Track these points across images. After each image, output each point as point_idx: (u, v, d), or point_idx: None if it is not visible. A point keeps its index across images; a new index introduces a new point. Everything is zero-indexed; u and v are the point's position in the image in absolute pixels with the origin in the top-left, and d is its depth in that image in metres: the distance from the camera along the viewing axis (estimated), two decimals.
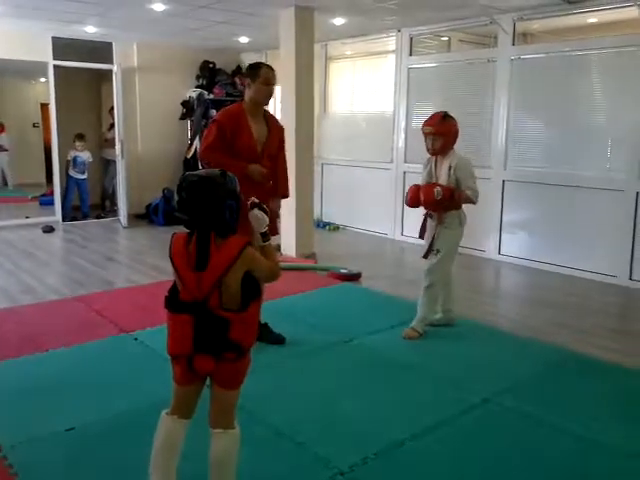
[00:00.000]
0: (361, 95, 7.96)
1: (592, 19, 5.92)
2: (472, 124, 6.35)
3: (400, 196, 7.22)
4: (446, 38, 7.10)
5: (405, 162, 7.17)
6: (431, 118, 3.88)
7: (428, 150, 3.89)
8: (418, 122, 7.06)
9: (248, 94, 3.60)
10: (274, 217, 3.76)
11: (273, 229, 3.02)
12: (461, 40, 7.03)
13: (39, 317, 4.33)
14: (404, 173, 7.17)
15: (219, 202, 1.94)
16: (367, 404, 3.04)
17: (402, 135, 7.18)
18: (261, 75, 3.54)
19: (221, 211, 1.94)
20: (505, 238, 6.26)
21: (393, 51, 7.23)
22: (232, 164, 3.15)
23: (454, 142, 3.87)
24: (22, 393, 3.11)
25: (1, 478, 2.37)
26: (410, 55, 7.04)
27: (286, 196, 3.89)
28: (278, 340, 3.82)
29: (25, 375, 3.33)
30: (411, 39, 7.01)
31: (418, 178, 7.18)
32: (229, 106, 3.73)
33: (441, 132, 3.79)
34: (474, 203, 3.82)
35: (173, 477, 2.11)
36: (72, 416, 2.85)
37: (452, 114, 3.91)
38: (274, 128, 3.71)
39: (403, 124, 7.15)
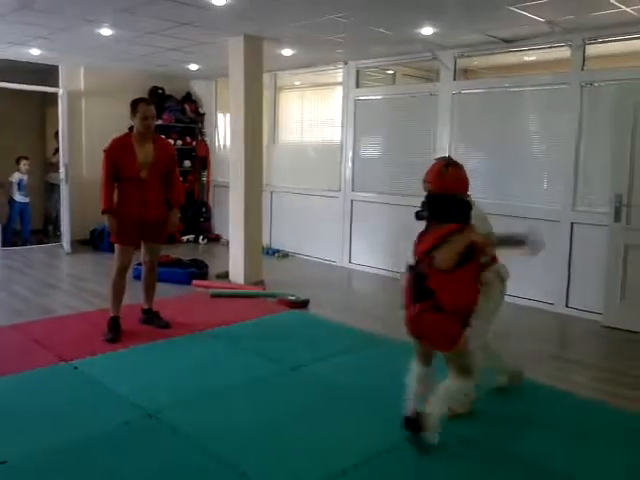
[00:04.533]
0: (310, 125, 8.10)
1: (528, 57, 6.25)
2: (416, 155, 6.54)
3: (348, 224, 7.34)
4: (391, 72, 7.34)
5: (353, 191, 7.30)
6: (430, 170, 3.01)
7: None
8: (365, 152, 7.26)
9: (134, 125, 4.37)
10: (174, 226, 4.66)
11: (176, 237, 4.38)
12: (406, 74, 7.29)
13: None
14: (352, 201, 7.30)
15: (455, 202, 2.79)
16: (312, 433, 3.04)
17: (349, 164, 7.33)
18: (139, 111, 4.31)
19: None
20: None
21: (340, 83, 7.42)
22: (104, 197, 4.30)
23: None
24: None
25: None
26: (357, 87, 7.24)
27: (181, 204, 4.72)
28: (165, 326, 4.59)
29: None
30: (357, 72, 7.21)
31: (366, 207, 7.34)
32: (118, 136, 4.43)
33: (446, 187, 2.89)
34: None
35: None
36: (4, 449, 2.74)
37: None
38: (161, 151, 4.46)
39: (350, 154, 7.30)
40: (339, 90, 7.48)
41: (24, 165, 8.37)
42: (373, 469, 2.70)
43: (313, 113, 8.09)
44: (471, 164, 6.24)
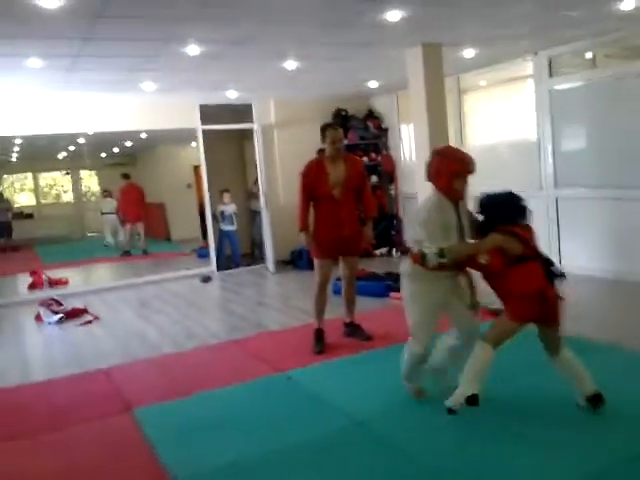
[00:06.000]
0: (500, 123, 7.70)
1: None
2: (630, 142, 5.83)
3: (554, 223, 6.78)
4: (590, 55, 6.66)
5: (556, 188, 6.74)
6: (467, 155, 3.26)
7: (458, 195, 3.28)
8: (567, 145, 6.69)
9: (325, 149, 4.55)
10: (368, 239, 4.74)
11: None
12: (607, 55, 6.54)
13: (202, 360, 4.62)
14: (556, 199, 6.74)
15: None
16: (533, 452, 2.79)
17: (550, 160, 6.79)
18: (327, 136, 4.48)
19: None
20: None
21: (531, 75, 6.95)
22: (301, 216, 4.54)
23: None
24: (189, 428, 3.31)
25: None
26: (550, 77, 6.71)
27: (375, 217, 4.91)
28: (367, 338, 4.67)
29: (191, 413, 3.55)
30: (550, 60, 6.68)
31: (574, 203, 6.72)
32: (312, 160, 4.67)
33: None
34: None
35: None
36: (234, 450, 2.98)
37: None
38: (351, 168, 4.56)
39: (550, 148, 6.77)
40: (529, 83, 7.01)
41: (226, 197, 9.27)
42: None
43: (502, 111, 7.68)
44: None
